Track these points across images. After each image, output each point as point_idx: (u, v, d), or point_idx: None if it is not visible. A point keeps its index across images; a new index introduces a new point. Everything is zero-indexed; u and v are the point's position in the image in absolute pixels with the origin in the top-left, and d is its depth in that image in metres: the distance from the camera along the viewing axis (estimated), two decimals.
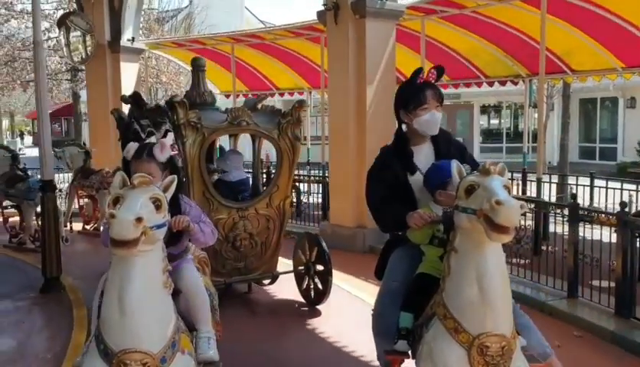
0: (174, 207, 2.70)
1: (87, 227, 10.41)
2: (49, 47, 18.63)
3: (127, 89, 10.93)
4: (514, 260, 6.43)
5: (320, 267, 6.04)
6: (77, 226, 10.40)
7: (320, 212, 10.44)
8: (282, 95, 15.33)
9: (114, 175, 8.79)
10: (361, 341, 3.21)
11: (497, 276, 2.43)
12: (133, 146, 2.96)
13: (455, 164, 2.60)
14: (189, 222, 2.88)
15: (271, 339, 5.15)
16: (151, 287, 2.36)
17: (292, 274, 6.35)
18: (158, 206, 2.39)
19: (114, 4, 12.32)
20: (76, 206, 10.55)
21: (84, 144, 12.30)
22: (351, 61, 8.45)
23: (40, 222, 7.18)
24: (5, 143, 22.65)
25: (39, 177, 8.74)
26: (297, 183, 10.87)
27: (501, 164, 2.48)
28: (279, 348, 4.96)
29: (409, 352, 2.86)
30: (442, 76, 3.12)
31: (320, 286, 6.01)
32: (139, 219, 2.20)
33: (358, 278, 7.00)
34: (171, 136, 3.16)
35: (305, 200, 11.42)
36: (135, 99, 6.63)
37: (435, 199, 2.88)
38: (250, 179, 6.76)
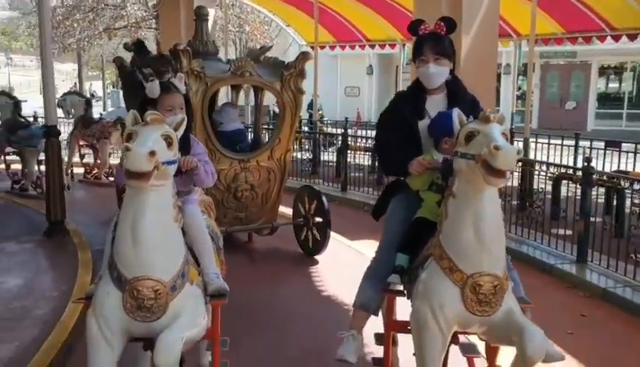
0: (184, 143, 2.79)
1: (88, 176, 10.52)
2: None
3: None
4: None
5: (318, 220, 6.18)
6: (78, 175, 10.50)
7: None
8: (372, 47, 13.98)
9: (114, 125, 8.85)
10: (353, 285, 3.36)
11: (493, 219, 2.54)
12: (155, 84, 3.02)
13: (456, 112, 2.68)
14: (197, 163, 2.97)
15: (269, 286, 5.33)
16: (162, 220, 2.47)
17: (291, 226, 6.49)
18: (169, 143, 2.48)
19: None
20: (78, 155, 10.63)
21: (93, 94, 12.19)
22: (444, 6, 7.01)
23: (42, 168, 7.28)
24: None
25: (41, 123, 8.83)
26: None
27: (500, 113, 2.56)
28: (276, 294, 5.14)
29: (405, 292, 3.00)
30: (453, 28, 3.09)
31: (318, 237, 6.16)
32: (152, 153, 2.29)
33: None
34: (179, 76, 3.22)
35: None
36: (138, 46, 6.65)
37: (439, 147, 2.97)
38: (248, 131, 6.85)
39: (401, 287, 3.01)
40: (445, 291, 2.59)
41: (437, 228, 2.72)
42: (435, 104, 3.13)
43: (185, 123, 2.73)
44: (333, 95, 25.12)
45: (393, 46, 13.40)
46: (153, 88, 3.00)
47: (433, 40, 3.08)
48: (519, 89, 21.73)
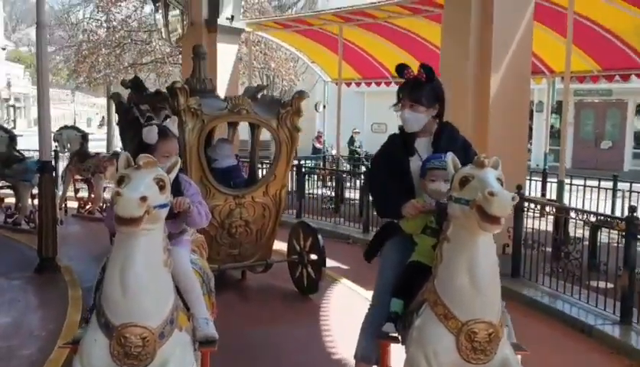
0: (175, 185, 2.77)
1: (81, 210, 10.46)
2: (152, 28, 17.48)
3: (224, 73, 10.61)
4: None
5: (313, 257, 6.13)
6: (72, 209, 10.43)
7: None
8: (398, 84, 13.59)
9: (110, 160, 8.85)
10: (352, 330, 3.30)
11: (488, 265, 2.51)
12: (153, 129, 3.02)
13: (450, 156, 2.68)
14: (189, 205, 2.95)
15: (262, 326, 5.23)
16: (152, 265, 2.43)
17: (286, 263, 6.43)
18: (161, 187, 2.46)
19: None
20: (72, 190, 10.59)
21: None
22: (473, 40, 6.40)
23: (35, 203, 7.23)
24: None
25: (36, 158, 8.80)
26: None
27: (495, 158, 2.56)
28: (270, 334, 5.04)
29: (400, 338, 2.95)
30: (432, 75, 3.16)
31: (313, 275, 6.10)
32: (144, 198, 2.26)
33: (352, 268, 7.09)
34: (173, 119, 3.22)
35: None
36: (135, 83, 6.68)
37: (425, 183, 2.97)
38: (242, 166, 6.85)
39: (396, 334, 2.96)
40: (440, 339, 2.54)
41: (432, 272, 2.69)
42: (422, 145, 3.19)
43: (179, 166, 2.72)
44: (359, 131, 24.96)
45: None
46: (151, 134, 2.99)
47: (412, 86, 3.17)
48: (552, 127, 21.32)
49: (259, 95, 6.60)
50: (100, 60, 19.46)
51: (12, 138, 9.46)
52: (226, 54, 11.09)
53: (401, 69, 3.21)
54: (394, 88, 11.83)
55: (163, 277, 2.51)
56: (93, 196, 10.16)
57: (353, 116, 22.35)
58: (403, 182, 3.09)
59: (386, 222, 3.41)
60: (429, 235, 2.94)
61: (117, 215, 2.27)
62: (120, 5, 19.00)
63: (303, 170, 10.66)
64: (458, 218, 2.51)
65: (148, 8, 17.19)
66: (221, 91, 9.87)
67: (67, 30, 21.26)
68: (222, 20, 10.94)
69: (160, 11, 11.17)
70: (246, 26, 12.10)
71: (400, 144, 3.21)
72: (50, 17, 18.68)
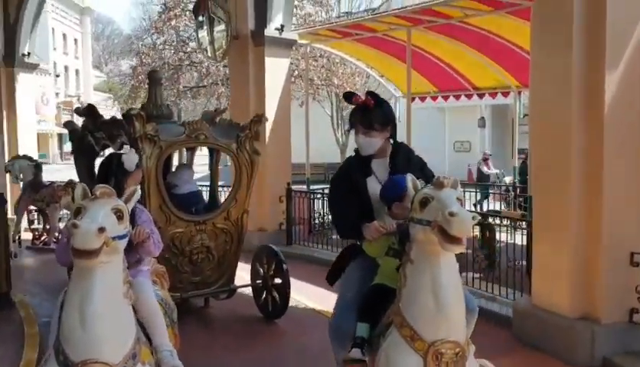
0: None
1: (36, 242, 10.16)
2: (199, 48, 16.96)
3: (274, 91, 9.52)
4: None
5: (278, 281, 6.07)
6: (26, 241, 10.12)
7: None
8: (481, 96, 11.68)
9: (65, 189, 8.61)
10: (319, 352, 3.27)
11: (452, 285, 2.54)
12: (134, 157, 2.96)
13: (409, 178, 2.72)
14: (148, 234, 2.89)
15: (228, 353, 5.14)
16: (112, 298, 2.37)
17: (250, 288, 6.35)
18: (119, 217, 2.41)
19: None
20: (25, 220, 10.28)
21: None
22: (577, 35, 4.72)
23: None
24: None
25: None
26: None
27: (454, 178, 2.60)
28: (236, 362, 4.96)
29: (367, 362, 2.93)
30: (381, 101, 3.27)
31: (278, 300, 6.04)
32: (101, 229, 2.21)
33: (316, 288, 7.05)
34: (130, 150, 3.18)
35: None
36: (89, 111, 6.56)
37: (390, 213, 2.99)
38: (202, 192, 6.77)
39: (363, 358, 2.94)
40: (408, 360, 2.55)
41: (396, 294, 2.70)
42: (379, 166, 3.27)
43: (138, 195, 2.67)
44: (440, 150, 22.60)
45: (506, 94, 11.36)
46: (131, 159, 2.94)
47: (362, 113, 3.24)
48: None
49: (217, 119, 6.57)
50: None
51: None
52: (275, 70, 9.58)
53: (349, 96, 3.33)
54: (477, 101, 10.60)
55: (124, 311, 2.45)
56: (48, 226, 9.88)
57: (432, 135, 20.73)
58: (362, 203, 3.14)
59: (348, 245, 3.43)
60: (391, 257, 2.95)
61: (74, 248, 2.21)
62: (176, 26, 18.32)
63: None
64: (420, 239, 2.53)
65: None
66: (270, 110, 9.24)
67: (135, 57, 20.53)
68: (270, 31, 9.46)
69: (205, 27, 9.84)
70: (299, 37, 10.38)
71: (357, 165, 3.28)
72: (118, 45, 18.45)
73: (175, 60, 19.06)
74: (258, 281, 6.28)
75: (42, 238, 10.12)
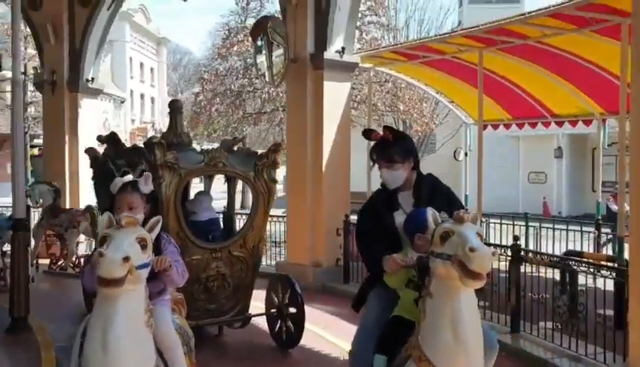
0: (154, 242, 2.76)
1: (53, 266, 10.24)
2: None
3: (333, 116, 9.03)
4: None
5: (292, 310, 6.06)
6: (43, 265, 10.20)
7: None
8: (559, 124, 10.97)
9: (83, 214, 8.71)
10: None
11: (471, 320, 2.54)
12: (119, 181, 3.05)
13: (430, 211, 2.73)
14: (170, 263, 2.93)
15: None
16: (133, 326, 2.41)
17: (264, 317, 6.34)
18: (143, 246, 2.46)
19: (320, 4, 8.88)
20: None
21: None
22: None
23: (4, 261, 7.07)
24: None
25: (8, 214, 8.66)
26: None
27: (474, 213, 2.62)
28: None
29: None
30: (400, 134, 3.39)
31: (292, 329, 6.02)
32: (126, 259, 2.26)
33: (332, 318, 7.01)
34: (147, 175, 3.24)
35: None
36: (111, 138, 6.67)
37: (413, 245, 3.00)
38: (220, 219, 6.80)
39: None
40: None
41: (415, 328, 2.70)
42: (405, 199, 3.29)
43: (160, 224, 2.71)
44: (514, 182, 21.68)
45: (588, 123, 10.48)
46: (116, 183, 3.03)
47: (382, 147, 3.31)
48: None
49: (235, 148, 6.65)
50: (214, 109, 18.48)
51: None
52: (334, 94, 9.05)
53: (367, 133, 3.43)
54: (555, 130, 10.04)
55: (145, 339, 2.48)
56: (65, 251, 9.97)
57: (505, 165, 19.86)
58: (390, 237, 3.15)
59: (371, 273, 3.46)
60: (411, 289, 2.96)
61: (99, 277, 2.25)
62: (239, 51, 18.15)
63: None
64: (440, 273, 2.55)
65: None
66: (328, 137, 8.86)
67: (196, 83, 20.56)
68: (330, 53, 8.93)
69: (263, 51, 9.41)
70: (361, 60, 9.84)
71: (384, 199, 3.32)
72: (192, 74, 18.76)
73: (238, 86, 18.85)
74: (272, 310, 6.26)
75: (59, 263, 10.20)
